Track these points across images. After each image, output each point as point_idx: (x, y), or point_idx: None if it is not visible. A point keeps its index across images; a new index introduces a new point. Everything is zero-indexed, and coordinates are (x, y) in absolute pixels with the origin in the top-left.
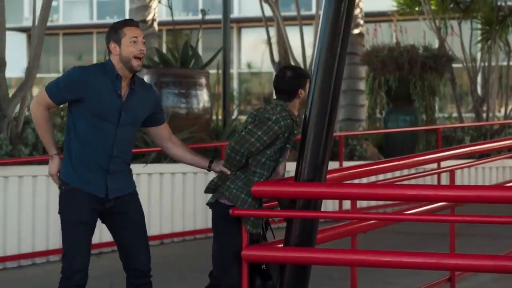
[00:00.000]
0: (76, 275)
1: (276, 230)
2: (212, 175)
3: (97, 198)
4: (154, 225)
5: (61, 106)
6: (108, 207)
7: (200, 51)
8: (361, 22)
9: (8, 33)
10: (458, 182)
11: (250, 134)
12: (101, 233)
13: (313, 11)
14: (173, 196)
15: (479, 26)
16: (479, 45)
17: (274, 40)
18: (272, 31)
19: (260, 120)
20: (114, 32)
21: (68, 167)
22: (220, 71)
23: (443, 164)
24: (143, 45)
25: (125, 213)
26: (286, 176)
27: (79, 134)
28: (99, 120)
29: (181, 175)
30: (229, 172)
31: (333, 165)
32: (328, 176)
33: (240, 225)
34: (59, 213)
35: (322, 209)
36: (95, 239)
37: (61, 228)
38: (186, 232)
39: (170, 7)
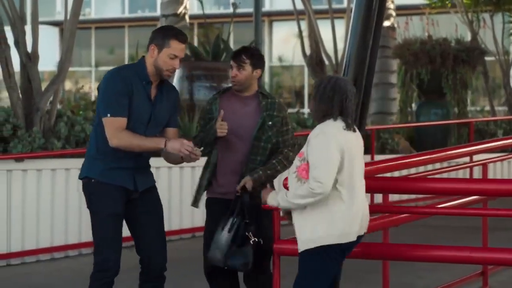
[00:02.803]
0: (112, 269)
1: None
2: None
3: (125, 190)
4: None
5: (93, 99)
6: (133, 198)
7: (231, 45)
8: (393, 15)
9: (40, 27)
10: (490, 175)
11: None
12: None
13: (345, 4)
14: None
15: (511, 19)
16: None
17: (305, 33)
18: (304, 25)
19: None
20: (161, 37)
21: (95, 163)
22: None
23: (476, 157)
24: (178, 63)
25: (146, 206)
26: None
27: None
28: (129, 122)
29: None
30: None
31: (364, 158)
32: None
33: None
34: (88, 207)
35: None
36: (126, 232)
37: (93, 222)
38: None
39: (201, 1)
